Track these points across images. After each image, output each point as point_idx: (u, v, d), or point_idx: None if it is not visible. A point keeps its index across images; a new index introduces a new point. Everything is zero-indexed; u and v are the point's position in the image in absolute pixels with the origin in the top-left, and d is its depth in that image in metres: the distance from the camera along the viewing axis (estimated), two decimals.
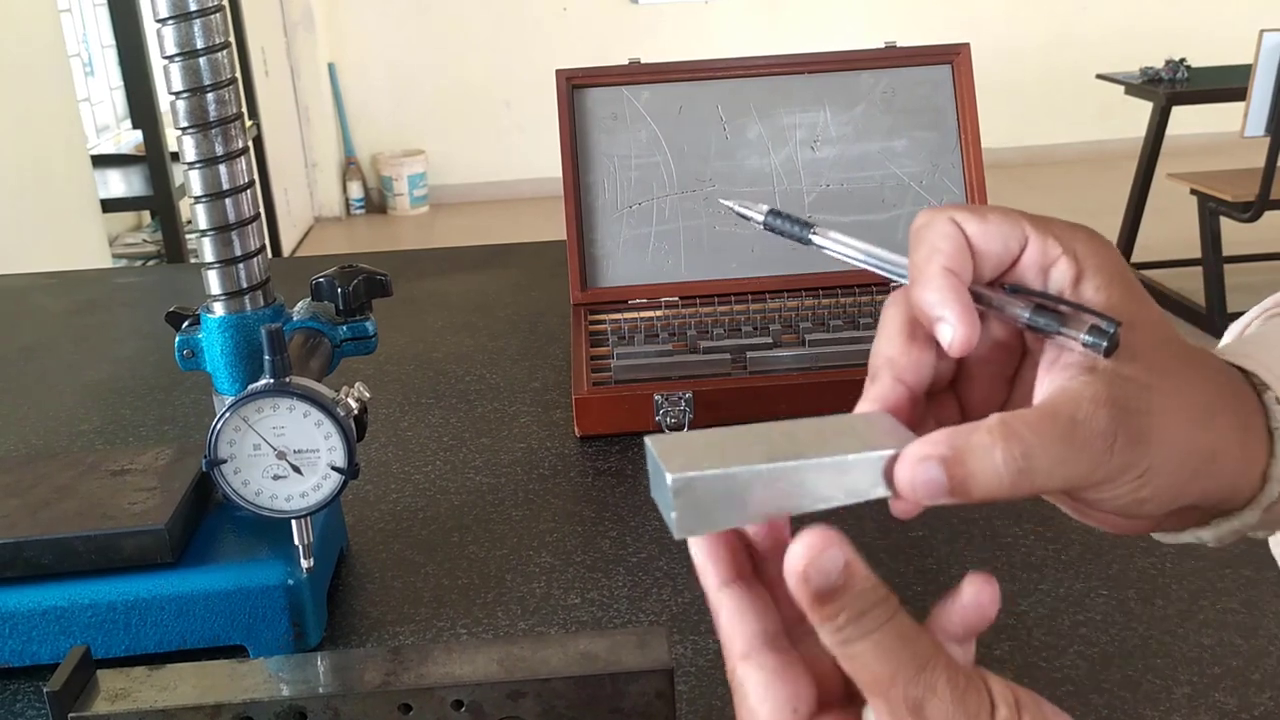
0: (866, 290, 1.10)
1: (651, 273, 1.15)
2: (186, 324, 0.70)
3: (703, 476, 0.38)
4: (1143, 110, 3.93)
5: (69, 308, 1.35)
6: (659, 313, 1.09)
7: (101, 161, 3.10)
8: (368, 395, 0.57)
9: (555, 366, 1.10)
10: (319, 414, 0.55)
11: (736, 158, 1.17)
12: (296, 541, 0.60)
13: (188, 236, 2.88)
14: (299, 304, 0.71)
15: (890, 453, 0.39)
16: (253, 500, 0.56)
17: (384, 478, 0.88)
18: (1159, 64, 3.86)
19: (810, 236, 0.44)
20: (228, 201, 0.66)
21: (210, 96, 0.64)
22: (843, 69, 1.16)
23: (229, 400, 0.55)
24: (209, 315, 0.68)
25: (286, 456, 0.55)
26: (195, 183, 0.66)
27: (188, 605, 0.65)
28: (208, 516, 0.71)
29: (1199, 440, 0.40)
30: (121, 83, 3.54)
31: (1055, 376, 0.40)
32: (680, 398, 0.91)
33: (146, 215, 3.59)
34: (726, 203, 0.46)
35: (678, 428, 0.91)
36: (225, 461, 0.55)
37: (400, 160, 5.59)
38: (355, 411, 0.57)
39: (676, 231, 1.15)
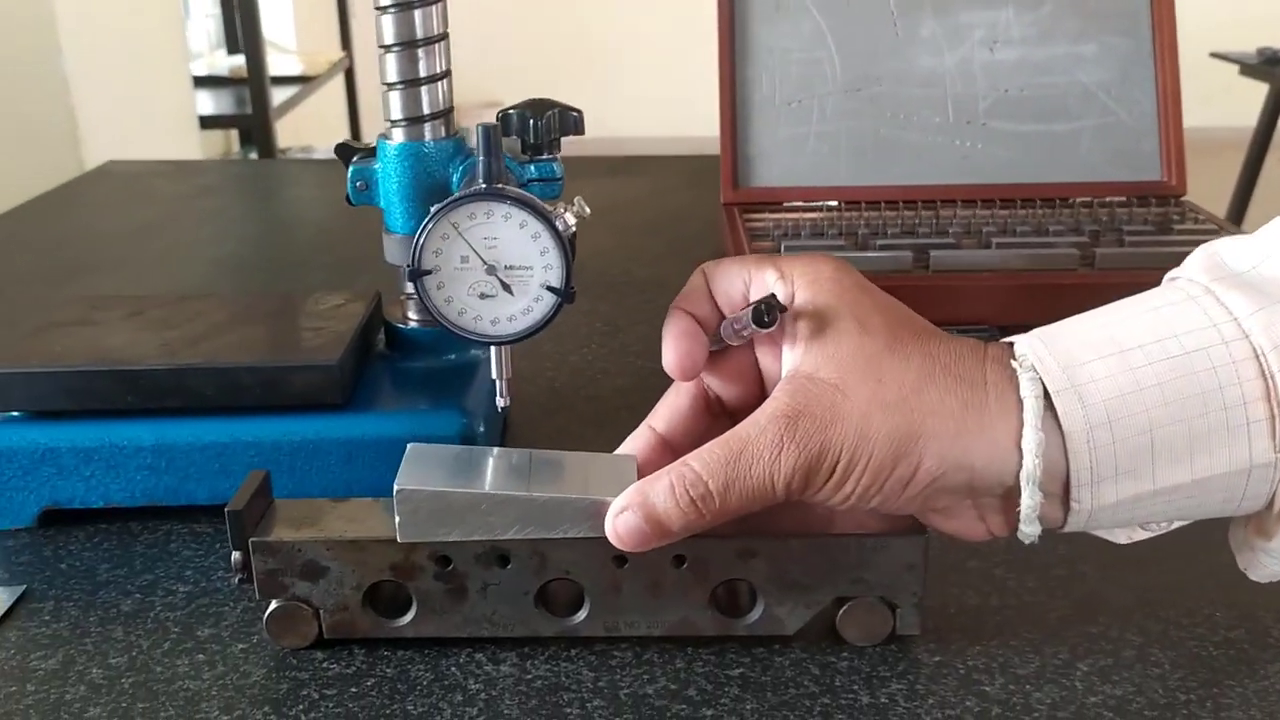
0: (1050, 204, 1.01)
1: (809, 175, 1.07)
2: (359, 156, 0.64)
3: (422, 492, 0.46)
4: (1251, 97, 3.74)
5: (187, 191, 1.31)
6: (819, 215, 1.01)
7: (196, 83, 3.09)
8: (588, 211, 0.50)
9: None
10: (537, 225, 0.48)
11: (907, 56, 1.08)
12: (495, 375, 0.53)
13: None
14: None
15: (595, 499, 0.46)
16: (455, 320, 0.50)
17: (536, 357, 0.81)
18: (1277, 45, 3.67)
19: None
20: (416, 14, 0.60)
21: None
22: None
23: (434, 208, 0.49)
24: (387, 142, 0.62)
25: (497, 272, 0.49)
26: None
27: (357, 450, 0.59)
28: (370, 365, 0.65)
29: (889, 422, 0.42)
30: (218, 10, 3.52)
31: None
32: None
33: (235, 141, 3.57)
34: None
35: None
36: (430, 273, 0.49)
37: (479, 111, 5.53)
38: (573, 229, 0.50)
39: (838, 133, 1.08)
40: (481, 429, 0.60)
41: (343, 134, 3.90)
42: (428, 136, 0.61)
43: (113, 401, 0.58)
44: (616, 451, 0.50)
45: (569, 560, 0.48)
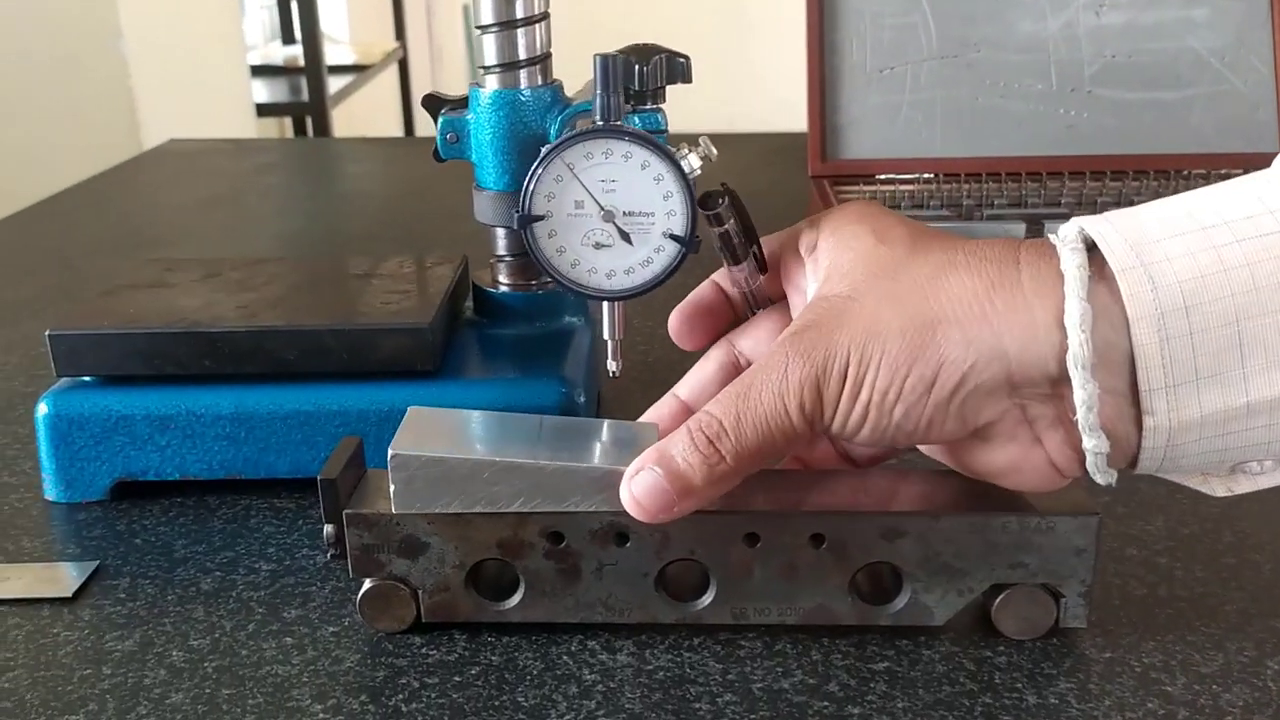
0: (1164, 175, 0.95)
1: (901, 146, 1.01)
2: (449, 106, 0.60)
3: (420, 457, 0.42)
4: None
5: (249, 169, 1.27)
6: (917, 186, 0.96)
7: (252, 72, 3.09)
8: (714, 152, 0.45)
9: None
10: (661, 166, 0.44)
11: (1006, 21, 1.02)
12: (606, 335, 0.49)
13: None
14: (581, 86, 0.60)
15: (609, 469, 0.42)
16: (566, 273, 0.45)
17: (627, 330, 0.76)
18: None
19: None
20: None
21: None
22: None
23: (546, 148, 0.44)
24: (480, 90, 0.57)
25: (615, 218, 0.44)
26: None
27: None
28: (459, 331, 0.61)
29: (901, 313, 0.38)
30: (273, 0, 3.52)
31: None
32: None
33: (289, 131, 3.56)
34: None
35: None
36: (540, 219, 0.44)
37: None
38: (698, 172, 0.45)
39: (933, 101, 1.02)
40: (582, 399, 0.56)
41: (396, 125, 3.89)
42: (524, 84, 0.57)
43: (189, 366, 0.54)
44: (639, 420, 0.47)
45: (694, 538, 0.43)
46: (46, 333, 0.54)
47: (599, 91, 0.45)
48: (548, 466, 0.42)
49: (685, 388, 0.48)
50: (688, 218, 0.45)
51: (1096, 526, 0.42)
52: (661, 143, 0.44)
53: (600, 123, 0.44)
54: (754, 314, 0.47)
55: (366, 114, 3.57)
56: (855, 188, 0.97)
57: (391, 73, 3.74)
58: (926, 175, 0.98)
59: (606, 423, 0.45)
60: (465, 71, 5.51)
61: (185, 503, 0.55)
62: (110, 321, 0.55)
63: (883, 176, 0.99)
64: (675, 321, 0.47)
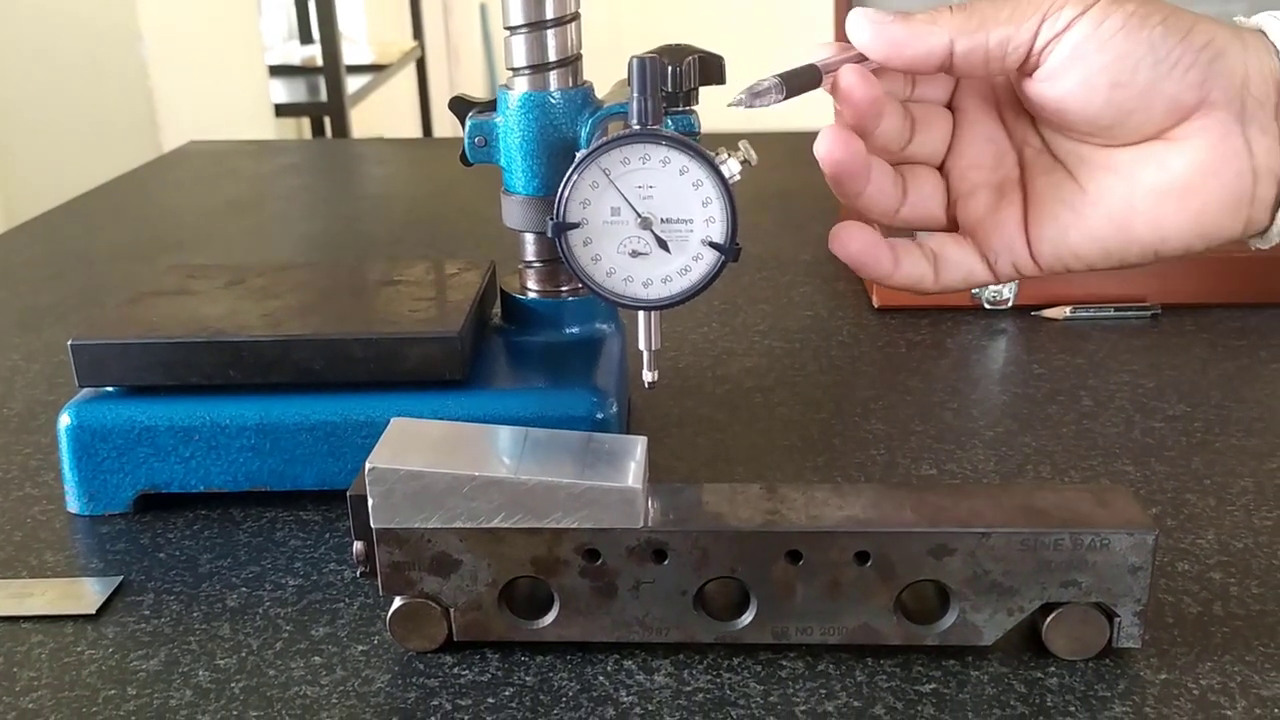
0: None
1: None
2: (477, 109, 0.58)
3: (397, 471, 0.41)
4: None
5: (271, 170, 1.27)
6: None
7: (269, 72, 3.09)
8: (755, 156, 0.44)
9: (824, 242, 0.95)
10: (700, 171, 0.42)
11: None
12: (642, 345, 0.47)
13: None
14: (610, 88, 0.59)
15: (592, 484, 0.41)
16: (602, 282, 0.44)
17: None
18: None
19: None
20: None
21: None
22: None
23: (581, 153, 0.43)
24: (508, 92, 0.56)
25: (652, 225, 0.43)
26: None
27: None
28: (487, 339, 0.59)
29: None
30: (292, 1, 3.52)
31: None
32: None
33: (307, 130, 3.56)
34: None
35: (1000, 303, 0.77)
36: (575, 227, 0.43)
37: None
38: (738, 177, 0.44)
39: None
40: (614, 409, 0.54)
41: (414, 125, 3.88)
42: (554, 86, 0.56)
43: (213, 376, 0.53)
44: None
45: (734, 556, 0.42)
46: (69, 342, 0.53)
47: (635, 94, 0.43)
48: (528, 482, 0.41)
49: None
50: (727, 224, 0.43)
51: (1153, 543, 0.41)
52: (702, 147, 0.43)
53: (637, 126, 0.43)
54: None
55: (384, 114, 3.56)
56: None
57: (409, 72, 3.73)
58: None
59: (593, 436, 0.44)
60: (482, 71, 5.50)
61: (210, 515, 0.54)
62: (133, 331, 0.54)
63: None
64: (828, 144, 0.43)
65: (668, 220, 0.43)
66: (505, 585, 0.43)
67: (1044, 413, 0.63)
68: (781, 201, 1.08)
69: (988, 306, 0.77)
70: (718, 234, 0.43)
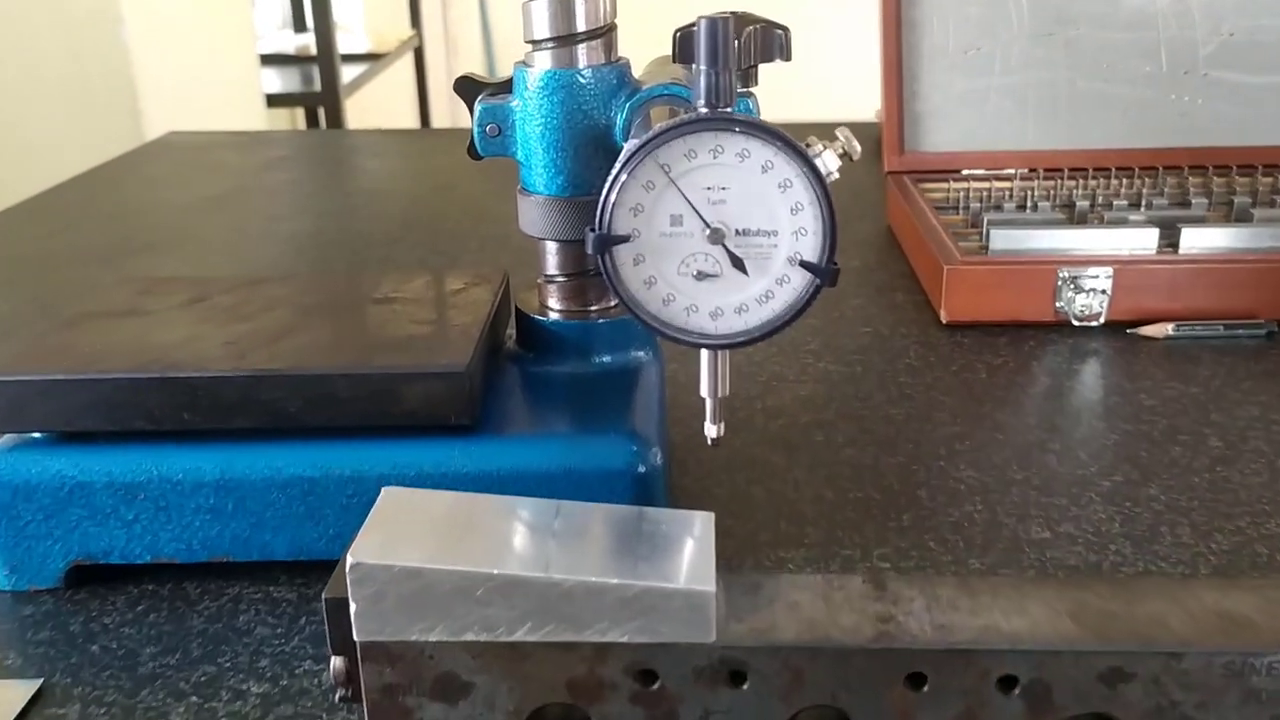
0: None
1: (989, 137, 0.89)
2: (488, 92, 0.48)
3: (390, 568, 0.31)
4: None
5: (257, 164, 1.16)
6: (1013, 183, 0.84)
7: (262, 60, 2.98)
8: (857, 148, 0.34)
9: (873, 245, 0.85)
10: (790, 167, 0.32)
11: None
12: (705, 391, 0.37)
13: None
14: (648, 65, 0.49)
15: (649, 585, 0.31)
16: (657, 312, 0.33)
17: (689, 355, 0.65)
18: None
19: None
20: None
21: None
22: None
23: (631, 144, 0.33)
24: (527, 71, 0.46)
25: (725, 239, 0.33)
26: None
27: (493, 489, 0.43)
28: (501, 370, 0.49)
29: None
30: None
31: None
32: (1095, 276, 0.66)
33: (300, 121, 3.45)
34: None
35: (1090, 318, 0.66)
36: (625, 240, 0.33)
37: None
38: (835, 176, 0.34)
39: (1024, 86, 0.90)
40: (658, 460, 0.44)
41: (411, 116, 3.77)
42: (582, 62, 0.45)
43: (163, 421, 0.43)
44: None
45: (835, 679, 0.32)
46: None
47: (703, 66, 0.33)
48: (564, 583, 0.31)
49: None
50: (824, 237, 0.33)
51: None
52: (790, 136, 0.33)
53: (704, 110, 0.33)
54: None
55: (380, 105, 3.46)
56: (941, 184, 0.85)
57: (406, 62, 3.63)
58: (1022, 171, 0.86)
59: (646, 513, 0.34)
60: (481, 62, 5.37)
61: (158, 592, 0.44)
62: (66, 364, 0.44)
63: (968, 172, 0.87)
64: None
65: (745, 232, 0.33)
66: (531, 715, 0.33)
67: (1167, 456, 0.53)
68: None
69: (1075, 323, 0.67)
70: (810, 250, 0.33)
